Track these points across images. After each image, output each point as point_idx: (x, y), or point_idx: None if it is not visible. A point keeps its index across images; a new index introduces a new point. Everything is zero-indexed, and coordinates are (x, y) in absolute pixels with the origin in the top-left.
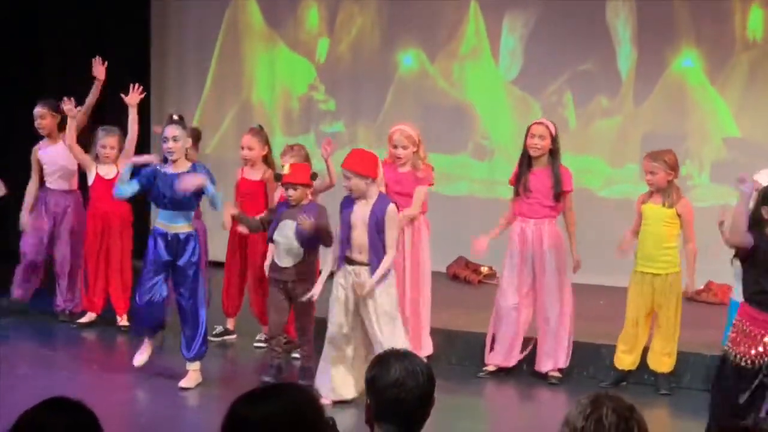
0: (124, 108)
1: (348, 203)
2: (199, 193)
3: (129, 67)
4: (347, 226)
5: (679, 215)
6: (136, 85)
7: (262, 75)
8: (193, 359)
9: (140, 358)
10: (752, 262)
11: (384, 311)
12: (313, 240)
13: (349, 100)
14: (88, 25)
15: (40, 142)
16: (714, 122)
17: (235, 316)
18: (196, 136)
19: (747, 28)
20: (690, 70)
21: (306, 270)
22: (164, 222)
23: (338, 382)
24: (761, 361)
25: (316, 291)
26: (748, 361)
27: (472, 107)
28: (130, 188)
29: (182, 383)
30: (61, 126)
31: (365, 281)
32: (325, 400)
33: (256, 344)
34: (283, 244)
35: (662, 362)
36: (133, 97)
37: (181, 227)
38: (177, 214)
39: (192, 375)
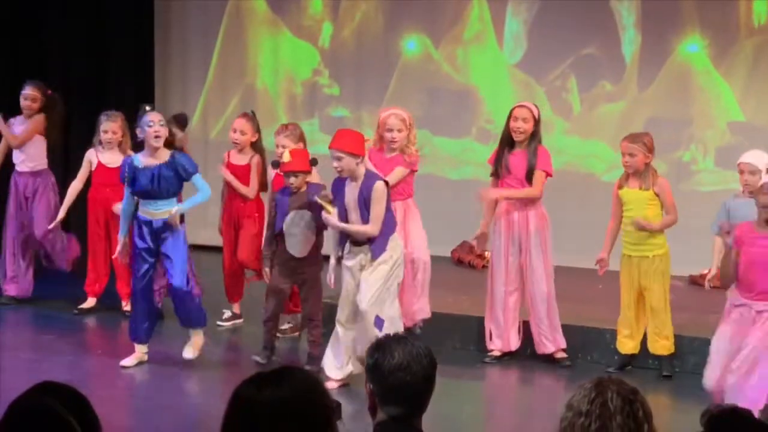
0: (127, 93)
1: (339, 186)
2: (180, 179)
3: (133, 53)
4: (343, 210)
5: (657, 195)
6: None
7: (265, 60)
8: (195, 326)
9: (128, 361)
10: None
11: (375, 278)
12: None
13: (354, 85)
14: (91, 12)
15: (16, 119)
16: (718, 107)
17: (239, 300)
18: (183, 121)
19: (752, 12)
20: (694, 55)
21: (314, 252)
22: (149, 209)
23: (344, 360)
24: None
25: (331, 278)
26: None
27: (476, 91)
28: (129, 203)
29: (185, 353)
30: (41, 109)
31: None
32: (332, 384)
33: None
34: (296, 235)
35: (660, 345)
36: None
37: (165, 213)
38: (160, 202)
39: (195, 340)
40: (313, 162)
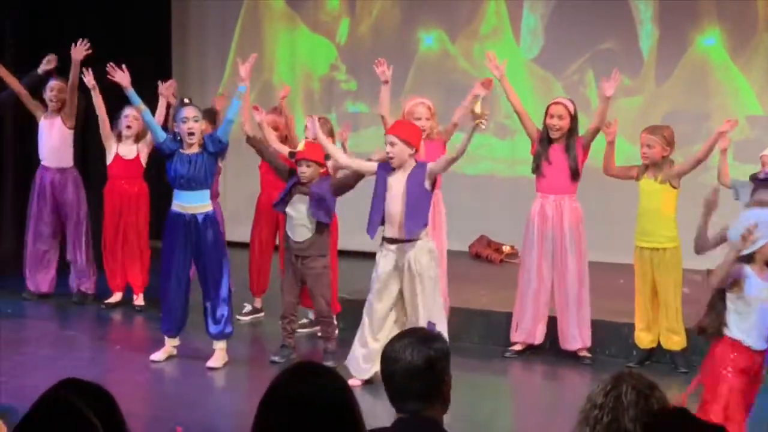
0: (145, 89)
1: (383, 173)
2: (215, 157)
3: (149, 49)
4: (381, 198)
5: (677, 188)
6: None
7: (283, 56)
8: (219, 338)
9: (158, 355)
10: None
11: (429, 276)
12: (329, 205)
13: (371, 81)
14: (109, 6)
15: (46, 113)
16: (737, 101)
17: (262, 295)
18: (212, 116)
19: None
20: (712, 49)
21: (319, 244)
22: (181, 203)
23: (374, 357)
24: None
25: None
26: None
27: (494, 87)
28: (159, 132)
29: (210, 363)
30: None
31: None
32: (355, 381)
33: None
34: (297, 219)
35: (671, 340)
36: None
37: (198, 207)
38: (193, 194)
39: (219, 354)
40: (327, 156)
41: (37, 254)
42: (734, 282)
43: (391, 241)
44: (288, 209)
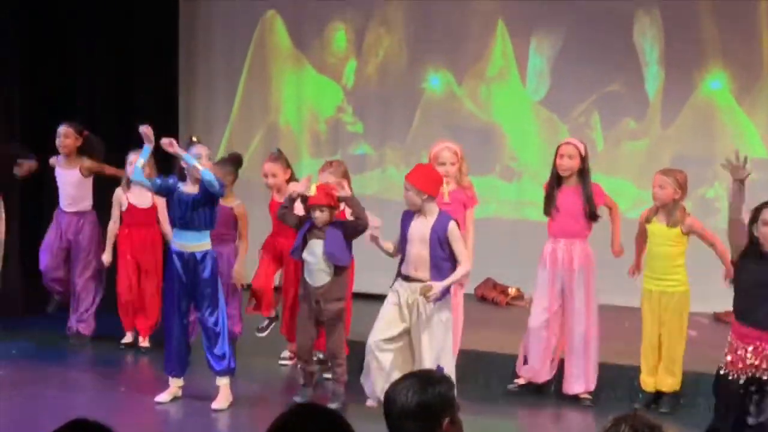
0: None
1: (407, 217)
2: (210, 201)
3: (157, 90)
4: (404, 241)
5: (686, 234)
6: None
7: (289, 97)
8: (222, 374)
9: (163, 397)
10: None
11: (439, 319)
12: (345, 248)
13: (377, 122)
14: (117, 47)
15: (58, 158)
16: (742, 144)
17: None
18: (237, 162)
19: None
20: (718, 92)
21: (337, 288)
22: (180, 242)
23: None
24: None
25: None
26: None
27: (500, 128)
28: (147, 182)
29: (215, 404)
30: (80, 151)
31: (433, 285)
32: (371, 402)
33: (281, 362)
34: (314, 264)
35: (664, 382)
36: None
37: (196, 246)
38: (191, 233)
39: (223, 392)
40: (340, 198)
41: (53, 292)
42: None
43: (405, 278)
44: (305, 255)
